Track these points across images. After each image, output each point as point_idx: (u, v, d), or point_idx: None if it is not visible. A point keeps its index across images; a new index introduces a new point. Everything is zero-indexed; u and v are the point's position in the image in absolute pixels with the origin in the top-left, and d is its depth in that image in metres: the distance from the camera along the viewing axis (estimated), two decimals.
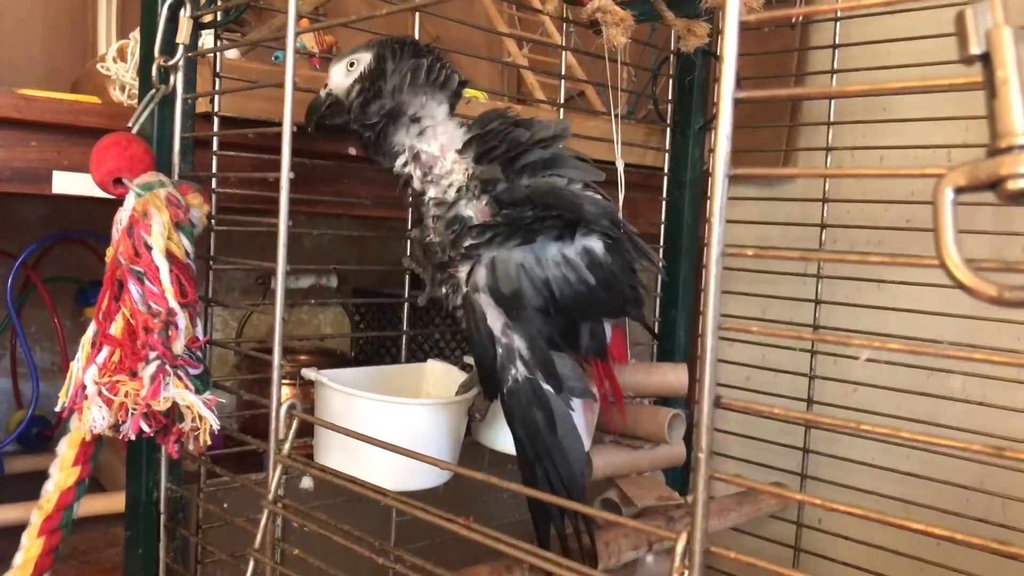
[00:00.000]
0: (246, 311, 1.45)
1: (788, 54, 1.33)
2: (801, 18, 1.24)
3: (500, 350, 0.71)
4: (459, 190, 0.74)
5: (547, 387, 0.72)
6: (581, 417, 0.90)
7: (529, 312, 0.70)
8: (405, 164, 0.78)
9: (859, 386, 1.28)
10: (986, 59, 0.30)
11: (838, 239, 1.33)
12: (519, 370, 0.72)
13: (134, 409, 0.65)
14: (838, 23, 1.25)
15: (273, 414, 0.65)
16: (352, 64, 0.77)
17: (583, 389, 0.75)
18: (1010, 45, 0.29)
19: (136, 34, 1.03)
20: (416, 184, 0.77)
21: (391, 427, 0.80)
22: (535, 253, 0.70)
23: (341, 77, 0.78)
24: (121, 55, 1.06)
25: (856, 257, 0.35)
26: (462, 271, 0.73)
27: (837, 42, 1.25)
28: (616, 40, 0.93)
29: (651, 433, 1.14)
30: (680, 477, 1.33)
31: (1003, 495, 1.12)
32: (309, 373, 0.84)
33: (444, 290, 0.78)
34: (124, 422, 0.66)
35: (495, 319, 0.71)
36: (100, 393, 0.66)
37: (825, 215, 1.29)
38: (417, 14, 1.00)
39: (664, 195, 1.31)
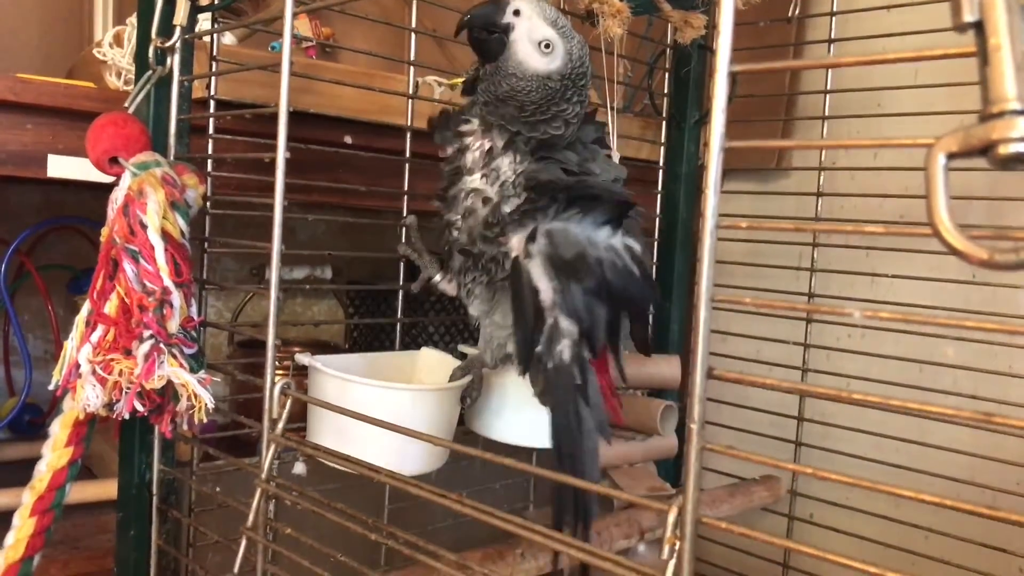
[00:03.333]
0: (239, 301, 1.45)
1: (784, 48, 1.34)
2: (797, 12, 1.25)
3: (548, 322, 0.70)
4: (503, 184, 0.75)
5: (587, 370, 0.71)
6: None
7: (584, 286, 0.69)
8: (483, 146, 0.77)
9: (852, 379, 1.28)
10: (979, 27, 0.30)
11: (832, 234, 1.34)
12: (565, 349, 0.70)
13: (128, 388, 0.65)
14: (833, 19, 1.25)
15: (267, 394, 0.65)
16: (547, 47, 0.75)
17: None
18: (1003, 12, 0.30)
19: (133, 19, 1.03)
20: (469, 162, 0.77)
21: (385, 412, 0.80)
22: (587, 233, 0.71)
23: (530, 46, 0.75)
24: (118, 41, 1.06)
25: (851, 227, 0.36)
26: (514, 239, 0.72)
27: (832, 37, 1.25)
28: (612, 31, 0.94)
29: (643, 424, 1.14)
30: (672, 468, 1.33)
31: (993, 487, 1.12)
32: (303, 358, 0.84)
33: (467, 276, 0.79)
34: (118, 401, 0.66)
35: (546, 292, 0.70)
36: (94, 372, 0.66)
37: (820, 209, 1.29)
38: (414, 4, 1.00)
39: (660, 188, 1.31)
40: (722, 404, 1.37)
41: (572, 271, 0.69)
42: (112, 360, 0.65)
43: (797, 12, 1.24)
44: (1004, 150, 0.29)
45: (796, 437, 1.28)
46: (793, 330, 1.34)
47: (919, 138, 0.33)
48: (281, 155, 0.64)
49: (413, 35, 0.99)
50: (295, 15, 0.64)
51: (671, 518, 0.41)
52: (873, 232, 0.34)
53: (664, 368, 1.18)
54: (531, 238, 0.71)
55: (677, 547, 0.40)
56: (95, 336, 0.67)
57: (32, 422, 1.26)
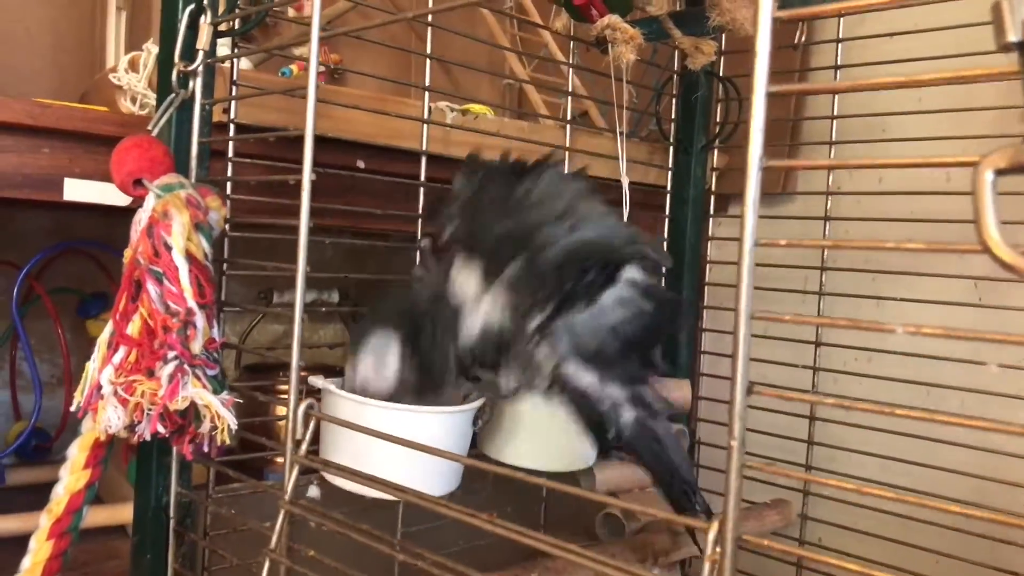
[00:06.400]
0: (246, 325, 1.45)
1: (789, 74, 1.35)
2: (803, 39, 1.27)
3: (605, 405, 0.74)
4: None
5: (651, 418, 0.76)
6: None
7: (614, 359, 0.72)
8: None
9: (860, 401, 1.28)
10: (1022, 47, 0.31)
11: (838, 258, 1.34)
12: (628, 414, 0.75)
13: (150, 409, 0.65)
14: (839, 45, 1.27)
15: (291, 414, 0.65)
16: None
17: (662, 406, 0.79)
18: None
19: (149, 45, 1.04)
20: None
21: (400, 434, 0.81)
22: (593, 310, 0.73)
23: None
24: (133, 66, 1.07)
25: (892, 244, 0.36)
26: (540, 353, 0.74)
27: (839, 63, 1.26)
28: (626, 57, 0.95)
29: None
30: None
31: (1005, 511, 1.12)
32: (317, 381, 0.84)
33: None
34: (139, 423, 0.66)
35: (588, 381, 0.74)
36: (116, 393, 0.66)
37: (827, 232, 1.30)
38: (429, 31, 1.02)
39: (667, 213, 1.32)
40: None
41: (601, 354, 0.73)
42: (135, 381, 0.65)
43: (804, 39, 1.25)
44: None
45: (806, 460, 1.27)
46: (798, 353, 1.34)
47: (962, 156, 0.33)
48: (307, 178, 0.64)
49: (428, 60, 1.00)
50: (308, 41, 0.65)
51: (711, 535, 0.41)
52: (915, 249, 0.34)
53: (674, 392, 1.18)
54: (553, 346, 0.73)
55: (718, 565, 0.40)
56: (117, 357, 0.67)
57: (39, 447, 1.25)
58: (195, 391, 0.64)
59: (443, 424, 0.85)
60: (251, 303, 1.51)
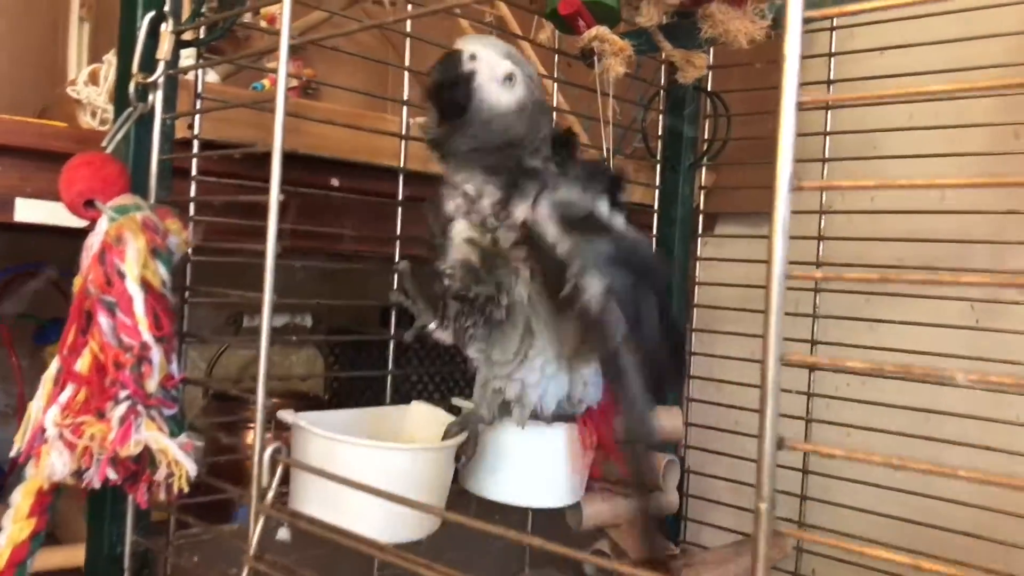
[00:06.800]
0: (214, 352, 1.38)
1: (777, 90, 1.31)
2: None
3: (570, 279, 0.68)
4: (484, 222, 0.74)
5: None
6: (563, 445, 0.89)
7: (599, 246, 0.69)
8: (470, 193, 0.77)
9: (852, 429, 1.24)
10: None
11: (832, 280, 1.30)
12: (593, 299, 0.68)
13: (100, 454, 0.59)
14: (832, 60, 1.23)
15: (256, 459, 0.59)
16: (510, 79, 0.74)
17: None
18: None
19: (110, 57, 0.98)
20: (451, 209, 0.77)
21: (377, 474, 0.75)
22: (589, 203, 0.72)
23: (495, 84, 0.74)
24: (93, 79, 1.01)
25: (949, 277, 0.31)
26: (519, 208, 0.72)
27: (832, 78, 1.23)
28: (615, 71, 0.90)
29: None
30: (672, 525, 1.28)
31: (1007, 543, 1.08)
32: (287, 416, 0.78)
33: (466, 321, 0.78)
34: (88, 468, 0.60)
35: (563, 245, 0.69)
36: (62, 436, 0.60)
37: (821, 253, 1.26)
38: (407, 42, 0.96)
39: (654, 232, 1.27)
40: (720, 456, 1.32)
41: (584, 229, 0.69)
42: (83, 423, 0.59)
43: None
44: None
45: (801, 491, 1.23)
46: (791, 379, 1.30)
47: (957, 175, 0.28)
48: (274, 197, 0.59)
49: (406, 73, 0.94)
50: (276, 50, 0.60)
51: None
52: (971, 283, 0.29)
53: (664, 421, 1.13)
54: (535, 204, 0.70)
55: None
56: (64, 396, 0.61)
57: None
58: (150, 435, 0.58)
59: (423, 461, 0.79)
60: (220, 329, 1.44)
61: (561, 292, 0.68)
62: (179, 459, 0.59)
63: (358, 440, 0.76)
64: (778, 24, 0.95)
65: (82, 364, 0.61)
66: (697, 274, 1.39)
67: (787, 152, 0.33)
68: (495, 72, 0.74)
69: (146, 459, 0.61)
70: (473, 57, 0.73)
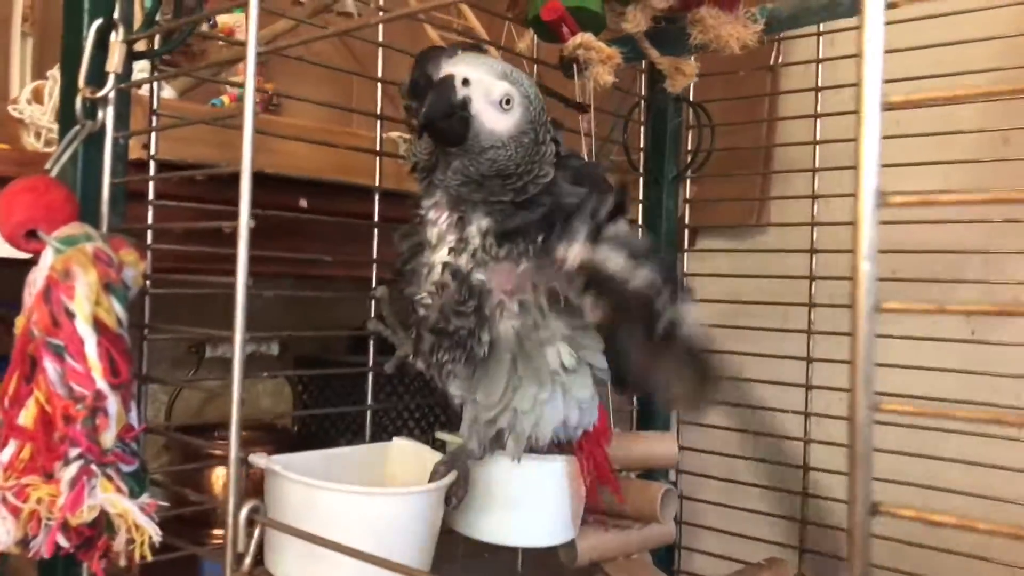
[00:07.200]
0: (175, 385, 1.30)
1: (759, 99, 1.27)
2: (780, 60, 1.19)
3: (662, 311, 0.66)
4: (473, 253, 0.69)
5: None
6: (563, 478, 0.84)
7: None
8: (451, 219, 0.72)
9: (847, 448, 1.20)
10: None
11: (819, 293, 1.26)
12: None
13: (49, 520, 0.51)
14: (820, 67, 1.19)
15: (230, 520, 0.52)
16: (508, 102, 0.69)
17: None
18: None
19: (55, 72, 0.91)
20: (434, 237, 0.72)
21: (363, 522, 0.69)
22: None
23: (492, 110, 0.68)
24: (37, 97, 0.95)
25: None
26: (573, 248, 0.67)
27: (820, 85, 1.19)
28: (603, 79, 0.85)
29: (641, 511, 1.03)
30: (664, 556, 1.22)
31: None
32: (259, 460, 0.71)
33: (442, 355, 0.73)
34: (35, 536, 0.52)
35: (642, 279, 0.66)
36: (4, 500, 0.52)
37: (814, 267, 1.22)
38: (380, 52, 0.90)
39: None
40: (710, 479, 1.27)
41: (650, 258, 0.66)
42: (27, 486, 0.52)
43: (781, 60, 1.17)
44: None
45: (800, 515, 1.17)
46: (789, 397, 1.25)
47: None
48: (244, 223, 0.52)
49: (379, 84, 0.88)
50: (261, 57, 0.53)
51: None
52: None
53: (657, 447, 1.07)
54: (595, 243, 0.66)
55: None
56: (6, 454, 0.53)
57: None
58: (106, 497, 0.51)
59: (413, 505, 0.73)
60: (180, 360, 1.36)
61: (653, 328, 0.64)
62: (140, 523, 0.52)
63: (341, 486, 0.69)
64: (771, 28, 0.91)
65: (26, 417, 0.54)
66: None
67: (872, 162, 0.28)
68: (491, 96, 0.68)
69: (102, 522, 0.54)
70: (466, 82, 0.67)
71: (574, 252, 0.66)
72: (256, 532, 0.52)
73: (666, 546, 1.11)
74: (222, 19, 1.24)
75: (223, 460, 1.05)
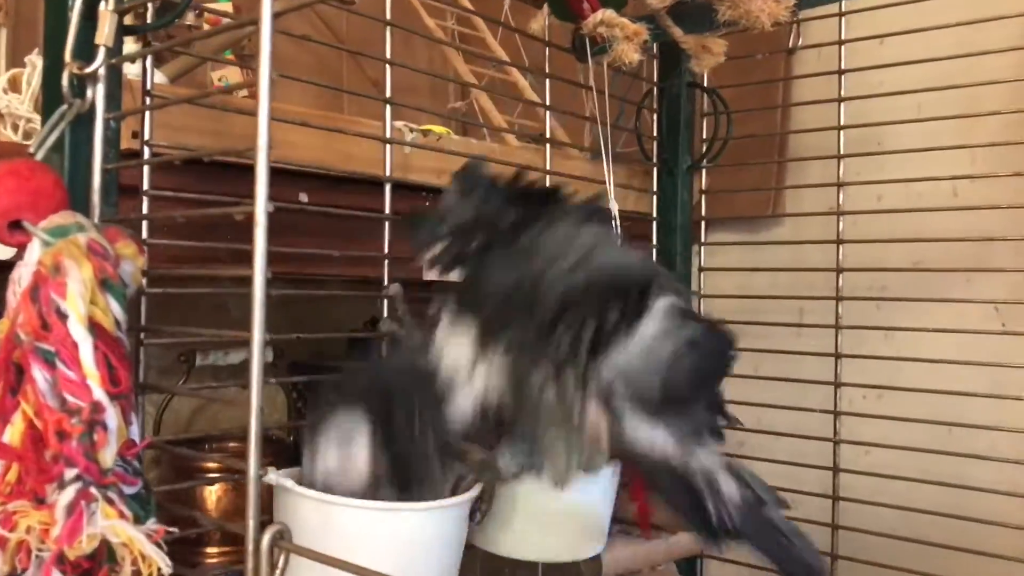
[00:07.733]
0: (165, 395, 1.23)
1: (773, 85, 1.22)
2: (800, 42, 1.14)
3: (697, 478, 0.58)
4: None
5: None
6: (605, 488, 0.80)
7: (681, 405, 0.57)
8: None
9: (872, 447, 1.15)
10: None
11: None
12: (730, 488, 0.59)
13: (41, 552, 0.45)
14: (842, 47, 1.14)
15: (250, 547, 0.45)
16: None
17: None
18: None
19: (33, 57, 0.84)
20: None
21: (385, 540, 0.63)
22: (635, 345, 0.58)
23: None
24: (14, 86, 0.88)
25: None
26: (590, 413, 0.59)
27: (843, 68, 1.14)
28: (628, 57, 0.80)
29: (666, 521, 0.98)
30: (686, 565, 1.16)
31: None
32: (271, 478, 0.65)
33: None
34: (25, 570, 0.46)
35: (661, 441, 0.58)
36: None
37: (841, 258, 1.17)
38: (388, 29, 0.84)
39: (654, 242, 1.17)
40: None
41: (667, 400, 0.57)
42: (16, 513, 0.45)
43: (800, 42, 1.12)
44: None
45: (832, 519, 1.12)
46: (798, 393, 1.20)
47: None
48: (262, 208, 0.46)
49: (388, 67, 0.82)
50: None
51: None
52: None
53: None
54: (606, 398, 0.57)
55: None
56: None
57: None
58: (108, 524, 0.44)
59: (434, 523, 0.67)
60: (169, 368, 1.28)
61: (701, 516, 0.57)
62: (147, 552, 0.45)
63: (359, 502, 0.63)
64: (804, 3, 0.86)
65: (12, 434, 0.47)
66: (700, 286, 1.30)
67: None
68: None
69: (103, 552, 0.47)
70: None
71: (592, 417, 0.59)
72: (281, 562, 0.45)
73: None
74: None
75: (219, 474, 0.99)
